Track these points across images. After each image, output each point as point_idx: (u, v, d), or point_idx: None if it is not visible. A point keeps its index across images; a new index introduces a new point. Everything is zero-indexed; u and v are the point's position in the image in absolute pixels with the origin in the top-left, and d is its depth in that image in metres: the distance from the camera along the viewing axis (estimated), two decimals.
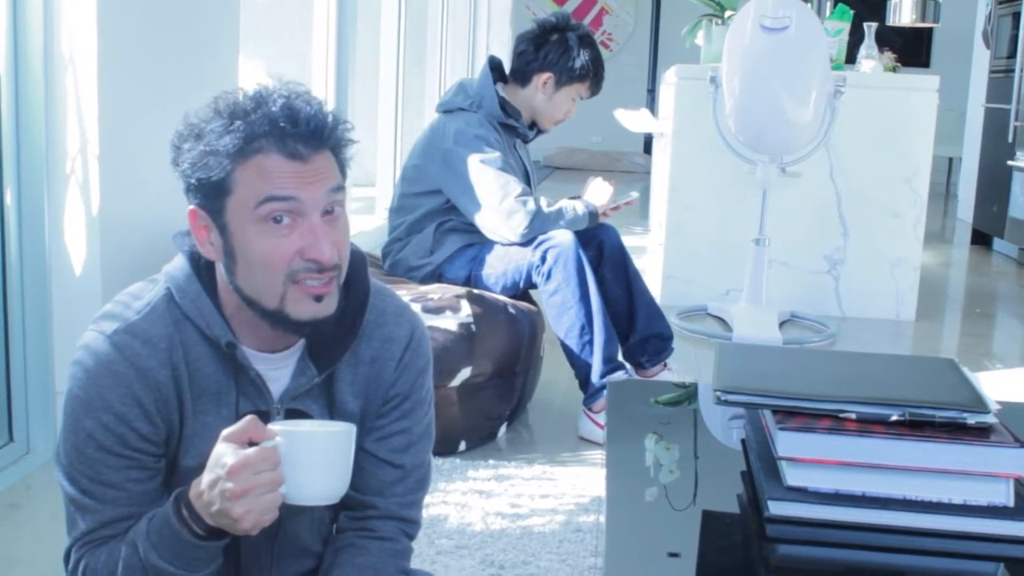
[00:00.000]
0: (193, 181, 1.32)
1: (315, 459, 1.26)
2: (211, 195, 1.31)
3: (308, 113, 1.31)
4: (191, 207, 1.34)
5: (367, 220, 6.09)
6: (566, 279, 2.99)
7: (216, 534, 1.28)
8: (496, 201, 3.07)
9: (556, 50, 3.26)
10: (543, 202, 3.11)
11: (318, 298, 1.33)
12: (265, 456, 1.22)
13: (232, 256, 1.32)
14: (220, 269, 1.36)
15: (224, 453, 1.22)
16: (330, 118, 1.34)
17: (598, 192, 3.27)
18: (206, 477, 1.24)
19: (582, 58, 3.26)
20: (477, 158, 3.09)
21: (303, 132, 1.30)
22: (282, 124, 1.29)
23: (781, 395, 1.26)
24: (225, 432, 1.24)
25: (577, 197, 3.25)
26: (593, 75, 3.31)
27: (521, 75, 3.30)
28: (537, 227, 3.07)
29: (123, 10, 2.63)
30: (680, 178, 4.92)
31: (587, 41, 3.30)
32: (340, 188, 1.34)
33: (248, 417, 1.25)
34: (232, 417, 1.35)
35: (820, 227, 4.84)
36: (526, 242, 3.09)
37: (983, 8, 8.16)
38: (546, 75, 3.27)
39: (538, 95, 3.29)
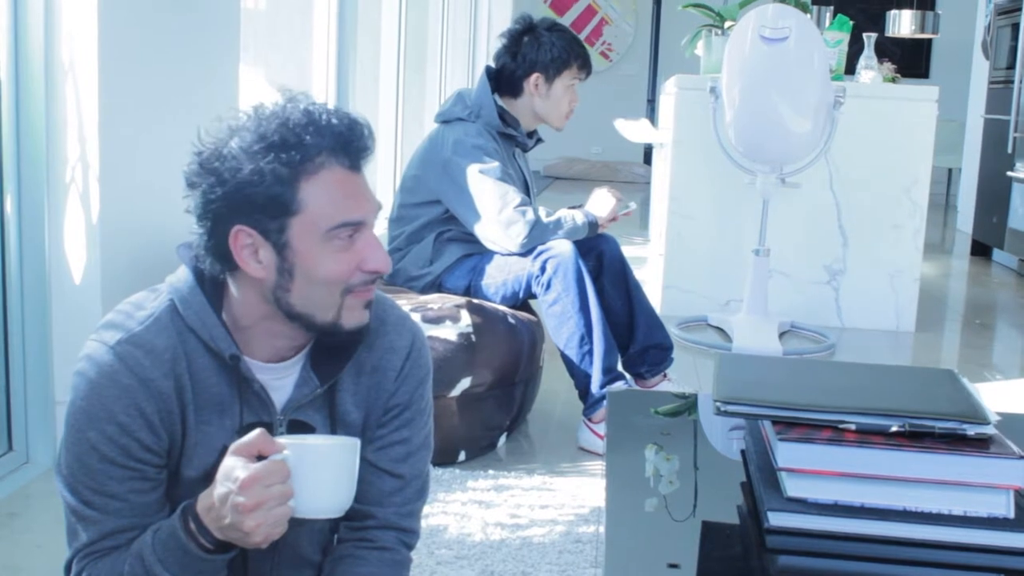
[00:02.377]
0: (243, 201, 1.29)
1: (323, 472, 1.26)
2: (269, 214, 1.30)
3: (359, 123, 1.34)
4: (237, 227, 1.31)
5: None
6: (565, 289, 2.99)
7: (223, 547, 1.28)
8: (495, 211, 3.07)
9: (532, 49, 3.25)
10: (542, 212, 3.12)
11: (367, 304, 1.37)
12: (276, 469, 1.22)
13: (290, 274, 1.32)
14: (258, 286, 1.34)
15: (235, 467, 1.22)
16: (369, 127, 1.37)
17: (601, 203, 3.26)
18: (217, 491, 1.23)
19: (559, 45, 3.26)
20: (476, 168, 3.09)
21: (362, 143, 1.34)
22: (344, 135, 1.31)
23: (781, 406, 1.26)
24: (234, 446, 1.24)
25: (577, 207, 3.25)
26: (577, 56, 3.29)
27: (512, 87, 3.29)
28: (536, 237, 3.07)
29: (124, 18, 2.64)
30: (680, 188, 4.92)
31: (558, 28, 3.30)
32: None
33: (257, 430, 1.25)
34: (235, 428, 1.35)
35: (820, 237, 4.84)
36: (526, 252, 3.09)
37: (982, 19, 8.17)
38: (534, 76, 3.27)
39: (535, 99, 3.29)
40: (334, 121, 1.31)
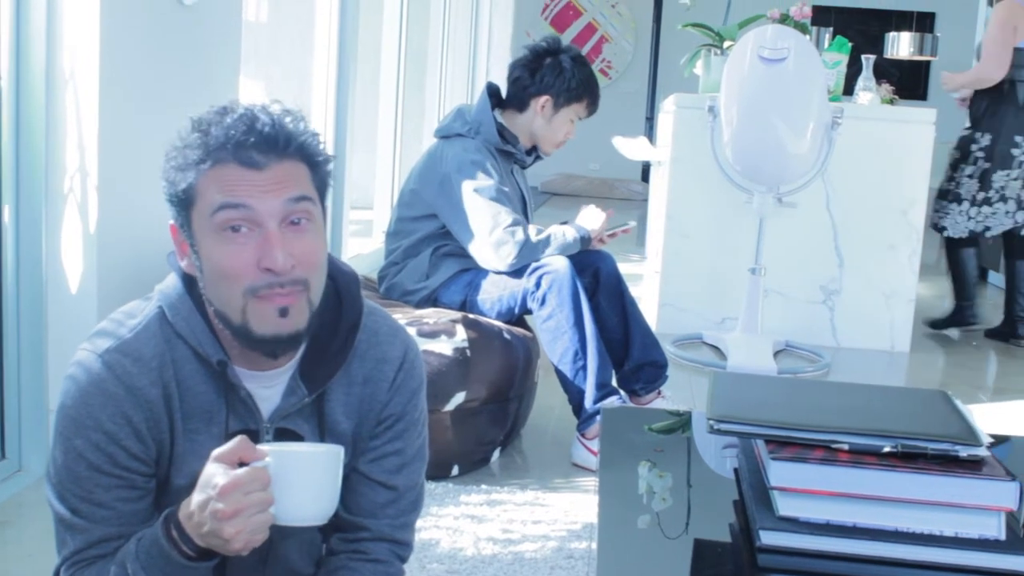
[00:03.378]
0: (168, 196, 1.34)
1: (304, 480, 1.26)
2: (180, 208, 1.33)
3: (264, 122, 1.31)
4: (171, 223, 1.37)
5: (364, 243, 6.10)
6: (560, 304, 3.00)
7: (206, 555, 1.27)
8: (486, 232, 3.08)
9: (551, 73, 3.28)
10: (532, 230, 3.12)
11: (282, 312, 1.31)
12: (256, 476, 1.21)
13: (201, 269, 1.34)
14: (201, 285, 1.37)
15: (215, 473, 1.22)
16: (290, 127, 1.34)
17: (590, 218, 3.27)
18: (196, 497, 1.23)
19: (577, 78, 3.29)
20: (471, 186, 3.10)
21: (257, 141, 1.30)
22: (237, 134, 1.30)
23: (774, 425, 1.27)
24: (215, 452, 1.24)
25: (566, 223, 3.26)
26: (589, 94, 3.33)
27: (518, 101, 3.31)
28: (526, 256, 3.08)
29: (125, 29, 2.64)
30: (677, 206, 4.93)
31: (580, 61, 3.33)
32: (303, 198, 1.32)
33: (238, 437, 1.25)
34: (222, 436, 1.35)
35: (816, 257, 4.85)
36: (518, 271, 3.10)
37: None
38: (544, 98, 3.28)
39: (537, 119, 3.31)
40: (231, 120, 1.31)
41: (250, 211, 1.29)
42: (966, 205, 5.09)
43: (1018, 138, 4.98)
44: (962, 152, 5.05)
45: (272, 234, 1.29)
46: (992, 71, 4.95)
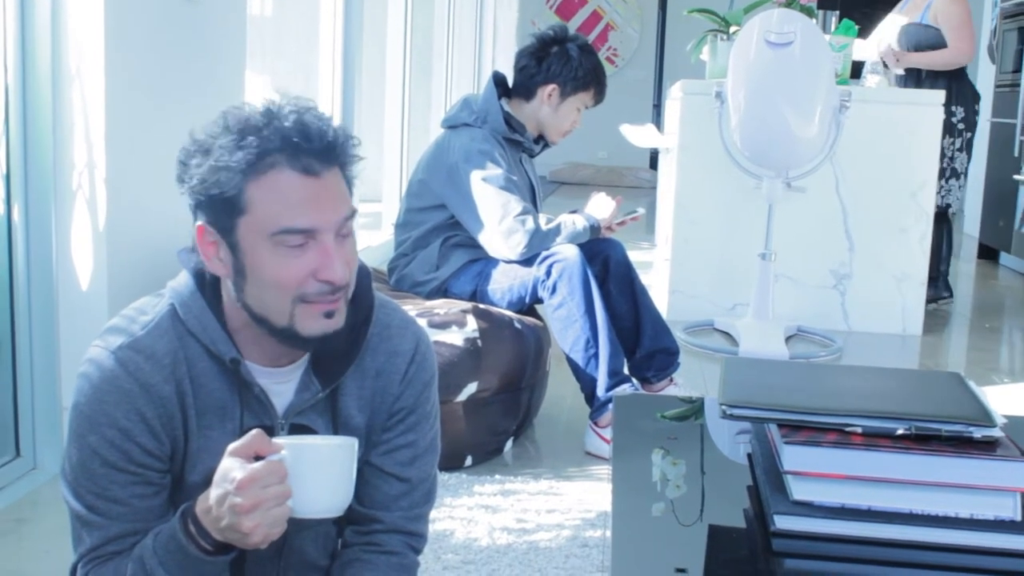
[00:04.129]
0: (202, 198, 1.31)
1: (320, 472, 1.26)
2: (222, 212, 1.30)
3: (320, 128, 1.31)
4: (199, 223, 1.33)
5: (373, 235, 6.10)
6: (571, 293, 2.99)
7: (223, 549, 1.28)
8: (496, 221, 3.08)
9: (558, 61, 3.27)
10: (542, 219, 3.12)
11: (328, 314, 1.33)
12: (273, 470, 1.22)
13: (242, 274, 1.32)
14: (228, 286, 1.36)
15: (232, 468, 1.22)
16: (340, 133, 1.34)
17: (600, 207, 3.27)
18: (214, 492, 1.23)
19: (584, 67, 3.28)
20: (480, 175, 3.10)
21: (316, 147, 1.30)
22: (295, 139, 1.28)
23: (786, 409, 1.26)
24: (231, 447, 1.24)
25: (575, 211, 3.26)
26: (596, 83, 3.32)
27: (525, 89, 3.31)
28: (536, 245, 3.08)
29: (130, 26, 2.64)
30: (686, 193, 4.92)
31: (587, 50, 3.32)
32: (354, 213, 1.34)
33: (254, 431, 1.25)
34: (237, 432, 1.35)
35: (826, 242, 4.84)
36: (528, 260, 3.09)
37: (988, 23, 8.16)
38: (551, 87, 3.28)
39: (544, 108, 3.30)
40: (286, 124, 1.29)
41: (311, 231, 1.30)
42: (962, 179, 5.31)
43: (976, 106, 5.29)
44: (945, 128, 5.06)
45: (330, 248, 1.30)
46: (970, 53, 5.18)
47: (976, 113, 5.32)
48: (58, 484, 1.40)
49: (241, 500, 1.20)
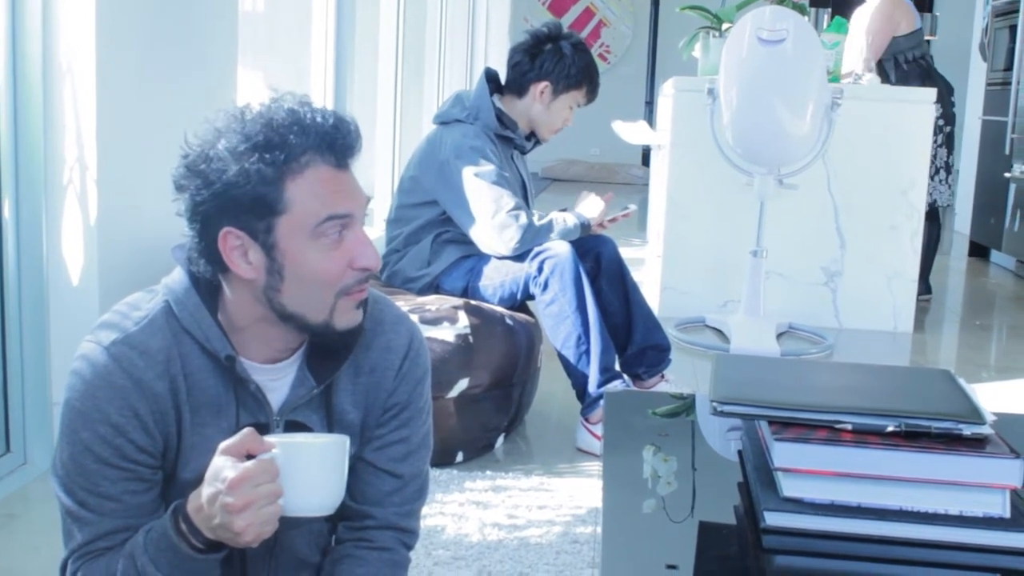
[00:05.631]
0: (229, 202, 1.30)
1: (312, 470, 1.26)
2: (256, 214, 1.30)
3: (346, 122, 1.34)
4: (226, 229, 1.31)
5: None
6: (563, 289, 3.00)
7: (214, 547, 1.28)
8: (489, 215, 3.08)
9: (551, 59, 3.27)
10: (535, 215, 3.12)
11: (358, 305, 1.37)
12: (264, 468, 1.21)
13: (279, 274, 1.32)
14: (250, 288, 1.34)
15: (223, 467, 1.22)
16: (356, 125, 1.37)
17: (590, 206, 3.28)
18: (205, 491, 1.23)
19: (577, 65, 3.28)
20: (472, 171, 3.10)
21: (347, 140, 1.33)
22: (329, 134, 1.31)
23: (777, 406, 1.27)
24: (223, 445, 1.24)
25: (565, 210, 3.26)
26: (589, 81, 3.33)
27: (518, 86, 3.31)
28: (529, 240, 3.08)
29: (121, 21, 2.64)
30: (678, 190, 4.93)
31: (581, 48, 3.32)
32: (369, 200, 1.39)
33: (246, 430, 1.25)
34: (232, 430, 1.34)
35: (817, 239, 4.84)
36: (520, 256, 3.10)
37: (980, 21, 8.18)
38: (543, 84, 3.28)
39: (536, 105, 3.30)
40: (319, 119, 1.31)
41: (349, 217, 1.33)
42: (943, 174, 5.35)
43: (952, 98, 5.36)
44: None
45: (362, 235, 1.35)
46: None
47: (952, 105, 5.35)
48: (49, 479, 1.40)
49: (232, 499, 1.19)
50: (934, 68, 5.37)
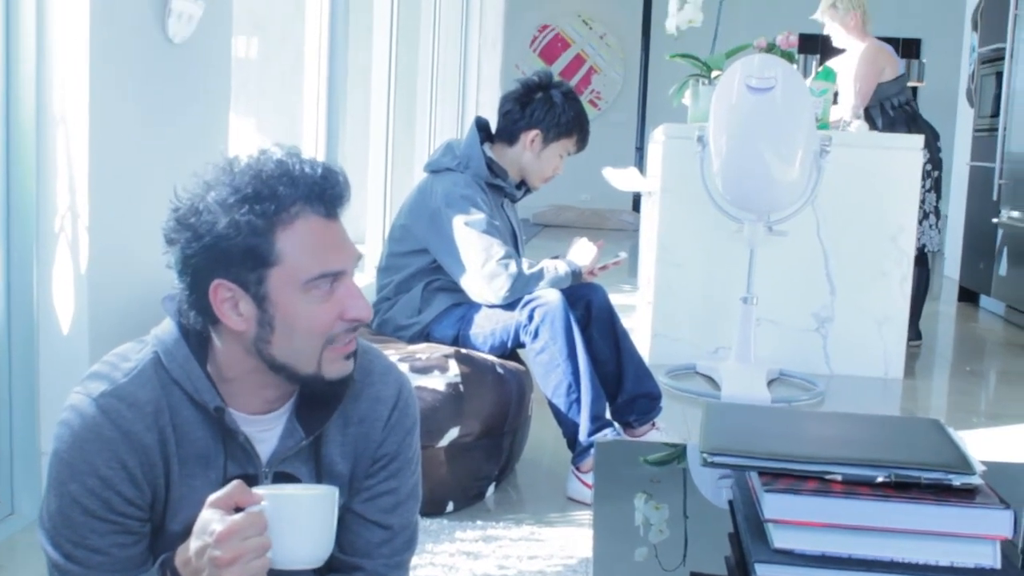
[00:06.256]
0: (219, 254, 1.30)
1: (300, 523, 1.25)
2: (248, 266, 1.30)
3: (334, 172, 1.35)
4: (217, 281, 1.31)
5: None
6: (553, 337, 3.00)
7: None
8: (479, 264, 3.09)
9: (542, 107, 3.29)
10: (524, 264, 3.13)
11: (348, 356, 1.37)
12: (253, 521, 1.21)
13: (270, 325, 1.32)
14: (240, 339, 1.34)
15: (211, 520, 1.21)
16: (345, 176, 1.38)
17: (581, 253, 3.28)
18: (193, 544, 1.22)
19: (568, 114, 3.30)
20: (462, 220, 3.11)
21: (336, 191, 1.34)
22: (319, 184, 1.31)
23: (766, 456, 1.26)
24: (211, 498, 1.23)
25: (557, 257, 3.27)
26: (579, 130, 3.35)
27: (508, 134, 3.32)
28: (519, 289, 3.08)
29: (114, 69, 2.65)
30: (668, 236, 4.94)
31: (571, 97, 3.34)
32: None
33: (234, 482, 1.24)
34: (220, 481, 1.34)
35: (807, 285, 4.86)
36: (510, 305, 3.10)
37: (967, 67, 8.26)
38: (533, 133, 3.30)
39: (526, 153, 3.32)
40: (307, 170, 1.32)
41: (341, 273, 1.34)
42: (932, 219, 5.38)
43: (938, 143, 5.41)
44: None
45: (353, 287, 1.35)
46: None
47: (939, 151, 5.40)
48: (36, 531, 1.39)
49: (220, 553, 1.19)
50: (919, 114, 5.43)
